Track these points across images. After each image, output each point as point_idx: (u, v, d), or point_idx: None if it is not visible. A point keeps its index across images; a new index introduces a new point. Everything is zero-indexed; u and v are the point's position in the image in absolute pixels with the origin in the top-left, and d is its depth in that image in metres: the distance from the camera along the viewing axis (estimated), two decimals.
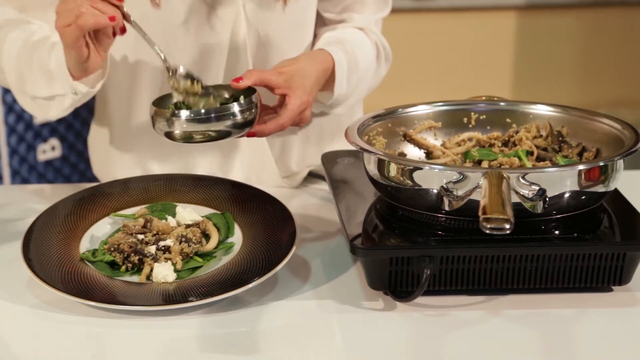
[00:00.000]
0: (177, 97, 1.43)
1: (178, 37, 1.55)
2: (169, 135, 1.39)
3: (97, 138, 1.75)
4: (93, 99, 1.70)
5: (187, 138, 1.38)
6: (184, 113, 1.37)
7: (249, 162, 1.66)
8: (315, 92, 1.51)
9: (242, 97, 1.41)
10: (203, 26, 1.55)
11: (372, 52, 1.65)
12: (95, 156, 1.78)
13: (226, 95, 1.46)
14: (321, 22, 1.67)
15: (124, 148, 1.67)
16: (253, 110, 1.39)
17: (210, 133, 1.38)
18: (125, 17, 1.39)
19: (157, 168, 1.66)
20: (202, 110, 1.37)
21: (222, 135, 1.38)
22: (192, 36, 1.55)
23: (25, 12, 1.55)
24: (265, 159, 1.65)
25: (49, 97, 1.49)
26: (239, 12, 1.55)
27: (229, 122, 1.38)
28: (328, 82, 1.55)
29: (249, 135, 1.42)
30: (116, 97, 1.64)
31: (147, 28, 1.53)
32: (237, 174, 1.66)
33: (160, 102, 1.42)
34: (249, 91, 1.42)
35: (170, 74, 1.41)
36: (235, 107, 1.38)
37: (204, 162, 1.65)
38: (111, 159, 1.70)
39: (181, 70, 1.42)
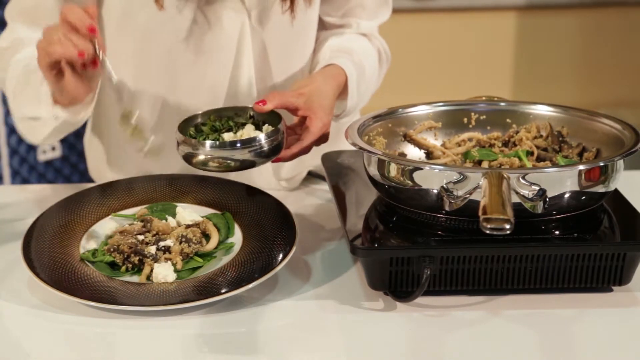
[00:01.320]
0: (202, 119, 1.44)
1: (182, 45, 1.55)
2: (192, 161, 1.37)
3: (93, 147, 1.75)
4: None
5: (211, 167, 1.37)
6: (211, 143, 1.36)
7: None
8: (333, 109, 1.51)
9: (267, 125, 1.41)
10: (207, 34, 1.54)
11: (376, 59, 1.67)
12: (92, 164, 1.78)
13: (250, 114, 1.46)
14: (322, 25, 1.67)
15: (120, 163, 1.68)
16: (280, 140, 1.39)
17: (234, 163, 1.36)
18: (100, 49, 1.35)
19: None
20: (229, 141, 1.36)
21: (247, 165, 1.37)
22: (196, 44, 1.55)
23: (36, 25, 1.54)
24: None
25: (34, 117, 1.48)
26: (244, 20, 1.54)
27: (256, 153, 1.37)
28: (341, 97, 1.57)
29: (274, 161, 1.42)
30: (115, 113, 1.65)
31: (152, 35, 1.53)
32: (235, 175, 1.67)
33: (185, 125, 1.42)
34: (271, 116, 1.42)
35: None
36: (263, 138, 1.37)
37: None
38: (108, 172, 1.70)
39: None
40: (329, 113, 1.48)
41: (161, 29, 1.53)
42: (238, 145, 1.36)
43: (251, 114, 1.46)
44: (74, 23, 1.32)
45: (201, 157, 1.36)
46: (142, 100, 1.61)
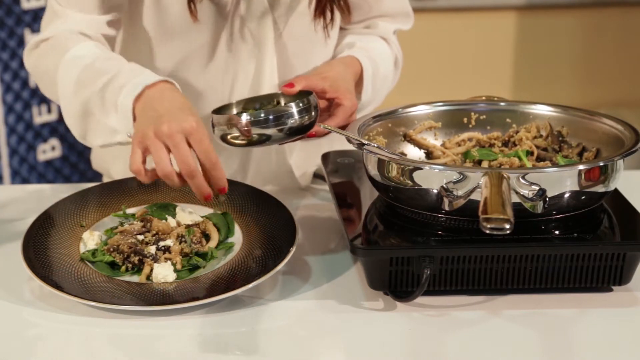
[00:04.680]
0: (236, 109, 1.45)
1: (211, 55, 1.56)
2: (228, 139, 1.38)
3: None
4: None
5: (245, 141, 1.38)
6: (248, 116, 1.36)
7: (264, 162, 1.66)
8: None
9: (298, 102, 1.41)
10: (235, 46, 1.55)
11: (392, 61, 1.68)
12: (96, 155, 1.77)
13: (277, 100, 1.47)
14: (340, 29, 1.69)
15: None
16: (313, 113, 1.40)
17: (273, 133, 1.38)
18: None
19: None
20: (265, 113, 1.37)
21: (284, 137, 1.39)
22: (223, 56, 1.56)
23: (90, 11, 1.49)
24: (280, 159, 1.66)
25: (104, 124, 1.40)
26: (270, 33, 1.55)
27: (290, 124, 1.38)
28: (355, 89, 1.57)
29: (309, 136, 1.43)
30: None
31: (185, 40, 1.53)
32: (253, 174, 1.67)
33: (218, 112, 1.43)
34: (301, 96, 1.43)
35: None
36: (295, 110, 1.38)
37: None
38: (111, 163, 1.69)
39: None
40: (354, 95, 1.50)
41: (194, 40, 1.53)
42: (271, 117, 1.37)
43: (278, 100, 1.47)
44: (205, 167, 1.27)
45: (237, 132, 1.37)
46: None
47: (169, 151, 1.26)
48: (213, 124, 1.39)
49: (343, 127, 1.46)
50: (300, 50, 1.59)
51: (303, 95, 1.43)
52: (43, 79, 1.49)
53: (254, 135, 1.37)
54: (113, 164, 1.70)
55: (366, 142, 1.35)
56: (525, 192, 1.25)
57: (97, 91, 1.37)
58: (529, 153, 1.42)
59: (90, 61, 1.41)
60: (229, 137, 1.38)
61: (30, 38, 2.62)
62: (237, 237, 1.40)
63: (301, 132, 1.40)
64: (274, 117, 1.37)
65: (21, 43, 2.64)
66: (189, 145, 1.26)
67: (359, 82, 1.57)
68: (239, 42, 1.55)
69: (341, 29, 1.68)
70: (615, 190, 1.40)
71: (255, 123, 1.37)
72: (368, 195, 1.43)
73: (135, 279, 1.32)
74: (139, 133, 1.28)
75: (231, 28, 1.54)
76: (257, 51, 1.56)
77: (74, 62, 1.42)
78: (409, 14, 1.70)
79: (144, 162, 1.28)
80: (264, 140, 1.38)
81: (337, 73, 1.50)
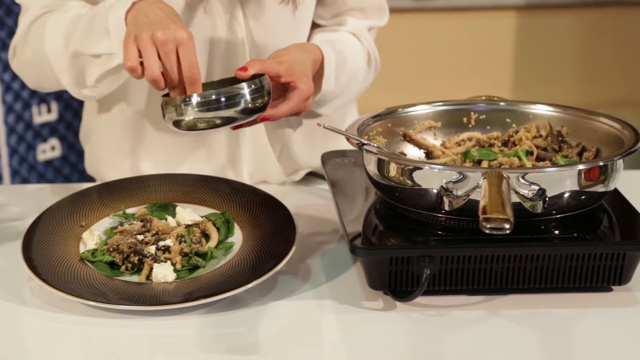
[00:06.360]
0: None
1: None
2: (179, 123, 1.36)
3: (92, 140, 1.74)
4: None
5: (199, 124, 1.35)
6: (196, 98, 1.34)
7: (253, 161, 1.66)
8: (311, 79, 1.51)
9: (250, 83, 1.39)
10: (202, 21, 1.56)
11: (363, 56, 1.66)
12: (94, 152, 1.76)
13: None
14: (313, 26, 1.68)
15: (130, 146, 1.67)
16: (265, 95, 1.38)
17: (225, 115, 1.35)
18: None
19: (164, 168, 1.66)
20: (216, 94, 1.35)
21: (235, 119, 1.36)
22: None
23: None
24: (267, 157, 1.65)
25: (96, 55, 1.45)
26: (238, 15, 1.55)
27: (242, 105, 1.36)
28: (316, 77, 1.55)
29: (262, 119, 1.42)
30: (135, 92, 1.64)
31: None
32: (243, 171, 1.67)
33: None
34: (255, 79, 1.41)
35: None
36: (247, 90, 1.36)
37: (211, 162, 1.65)
38: (115, 155, 1.69)
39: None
40: (311, 80, 1.48)
41: None
42: (223, 98, 1.35)
43: (231, 84, 1.44)
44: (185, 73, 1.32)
45: (188, 117, 1.34)
46: (135, 88, 1.61)
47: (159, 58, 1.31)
48: (163, 107, 1.37)
49: (298, 113, 1.47)
50: (270, 35, 1.59)
51: (256, 78, 1.41)
52: (32, 62, 1.55)
53: (206, 118, 1.35)
54: (106, 170, 1.69)
55: (366, 142, 1.35)
56: (525, 192, 1.25)
57: (84, 27, 1.44)
58: (529, 153, 1.43)
59: (74, 14, 1.49)
60: (181, 122, 1.35)
61: None
62: (237, 237, 1.40)
63: (253, 113, 1.38)
64: (226, 98, 1.35)
65: None
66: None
67: (320, 71, 1.56)
68: (209, 21, 1.56)
69: (315, 26, 1.68)
70: (615, 190, 1.40)
71: (206, 104, 1.34)
72: (368, 195, 1.43)
73: (135, 279, 1.32)
74: (131, 35, 1.33)
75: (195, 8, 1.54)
76: (228, 32, 1.56)
77: (57, 22, 1.49)
78: (381, 7, 1.69)
79: (140, 57, 1.33)
80: (215, 123, 1.36)
81: (294, 57, 1.48)
